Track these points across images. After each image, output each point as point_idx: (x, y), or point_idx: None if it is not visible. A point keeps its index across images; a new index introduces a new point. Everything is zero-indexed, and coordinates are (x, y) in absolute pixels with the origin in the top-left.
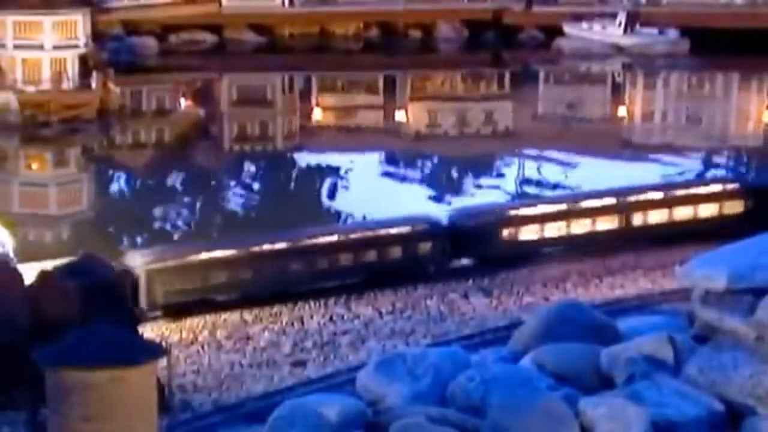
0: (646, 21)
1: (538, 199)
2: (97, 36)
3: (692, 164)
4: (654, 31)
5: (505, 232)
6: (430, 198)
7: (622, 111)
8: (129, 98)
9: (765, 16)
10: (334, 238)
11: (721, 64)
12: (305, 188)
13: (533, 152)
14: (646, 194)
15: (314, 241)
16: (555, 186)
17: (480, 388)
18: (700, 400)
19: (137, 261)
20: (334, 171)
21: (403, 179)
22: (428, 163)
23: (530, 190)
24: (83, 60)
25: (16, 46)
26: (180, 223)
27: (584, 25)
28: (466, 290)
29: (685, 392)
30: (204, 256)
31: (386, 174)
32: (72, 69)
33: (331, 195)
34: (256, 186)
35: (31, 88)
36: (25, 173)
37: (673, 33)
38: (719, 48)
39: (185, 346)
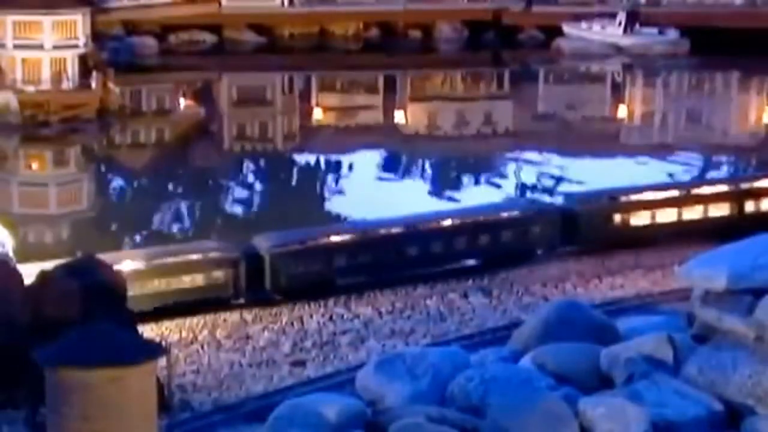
0: (646, 21)
1: (648, 186)
2: (97, 36)
3: (692, 164)
4: (654, 31)
5: (617, 217)
6: (431, 197)
7: (621, 111)
8: (129, 98)
9: (765, 16)
10: (448, 222)
11: (721, 64)
12: (305, 188)
13: (533, 152)
14: (759, 182)
15: (430, 225)
16: (555, 185)
17: (479, 388)
18: (700, 400)
19: (263, 245)
20: (334, 170)
21: (404, 179)
22: (428, 163)
23: (530, 189)
24: (83, 60)
25: (16, 46)
26: (180, 222)
27: (584, 25)
28: (466, 290)
29: (684, 392)
30: (326, 240)
31: (387, 173)
32: (72, 69)
33: (331, 194)
34: (256, 185)
35: (31, 88)
36: (25, 173)
37: (673, 33)
38: (719, 48)
39: (185, 346)
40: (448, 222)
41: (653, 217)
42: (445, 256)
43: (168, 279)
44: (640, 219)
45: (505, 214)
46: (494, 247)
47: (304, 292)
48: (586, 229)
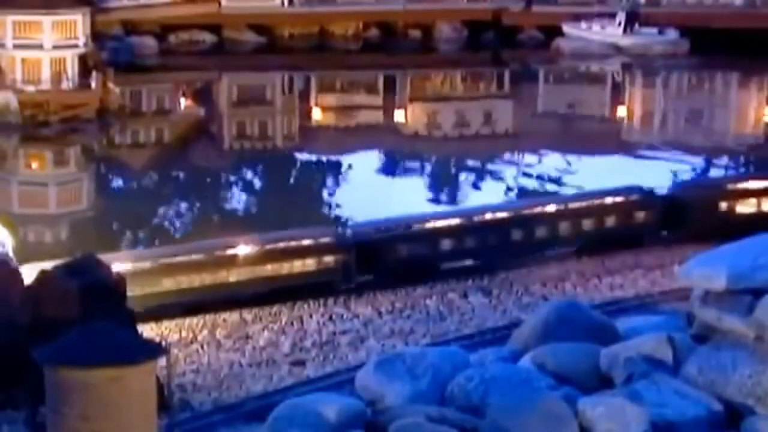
0: (646, 21)
1: (755, 175)
2: (97, 36)
3: (693, 163)
4: (653, 31)
5: (723, 205)
6: (431, 196)
7: (621, 111)
8: (128, 98)
9: (765, 16)
10: (553, 207)
11: (721, 64)
12: (306, 187)
13: (533, 151)
14: None
15: (534, 210)
16: (556, 184)
17: (479, 388)
18: (700, 400)
19: (370, 230)
20: (333, 170)
21: (404, 178)
22: (428, 162)
23: (531, 188)
24: (83, 60)
25: (15, 46)
26: (180, 222)
27: (583, 25)
28: (466, 290)
29: (684, 392)
30: (432, 225)
31: (386, 173)
32: (72, 69)
33: (331, 194)
34: (256, 185)
35: (30, 88)
36: (24, 173)
37: (672, 33)
38: (719, 48)
39: (185, 346)
40: (552, 207)
41: (759, 205)
42: (549, 241)
43: (280, 264)
44: (746, 207)
45: (609, 200)
46: (599, 232)
47: (411, 276)
48: (693, 216)
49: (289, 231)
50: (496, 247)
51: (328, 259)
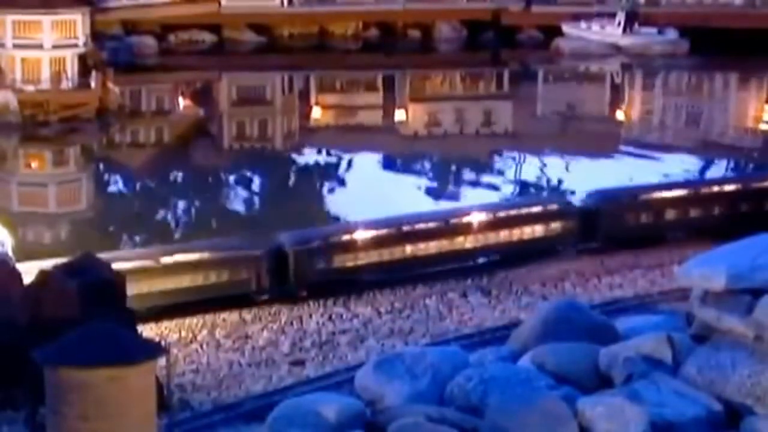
0: (645, 21)
1: None
2: (97, 35)
3: (692, 163)
4: (653, 30)
5: None
6: (432, 196)
7: (620, 111)
8: (128, 98)
9: (765, 16)
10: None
11: (721, 64)
12: (305, 186)
13: (532, 151)
14: None
15: (764, 183)
16: (556, 183)
17: (479, 388)
18: (699, 400)
19: (591, 200)
20: (333, 170)
21: (403, 177)
22: (427, 162)
23: (532, 188)
24: (82, 59)
25: (15, 46)
26: (180, 222)
27: (583, 25)
28: (465, 289)
29: (683, 392)
30: (657, 195)
31: (386, 172)
32: (71, 68)
33: (332, 193)
34: (256, 185)
35: (30, 88)
36: (24, 172)
37: (672, 33)
38: (719, 48)
39: (184, 345)
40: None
41: None
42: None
43: (512, 230)
44: None
45: None
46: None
47: (634, 244)
48: None
49: (521, 199)
50: (722, 218)
51: (554, 225)
